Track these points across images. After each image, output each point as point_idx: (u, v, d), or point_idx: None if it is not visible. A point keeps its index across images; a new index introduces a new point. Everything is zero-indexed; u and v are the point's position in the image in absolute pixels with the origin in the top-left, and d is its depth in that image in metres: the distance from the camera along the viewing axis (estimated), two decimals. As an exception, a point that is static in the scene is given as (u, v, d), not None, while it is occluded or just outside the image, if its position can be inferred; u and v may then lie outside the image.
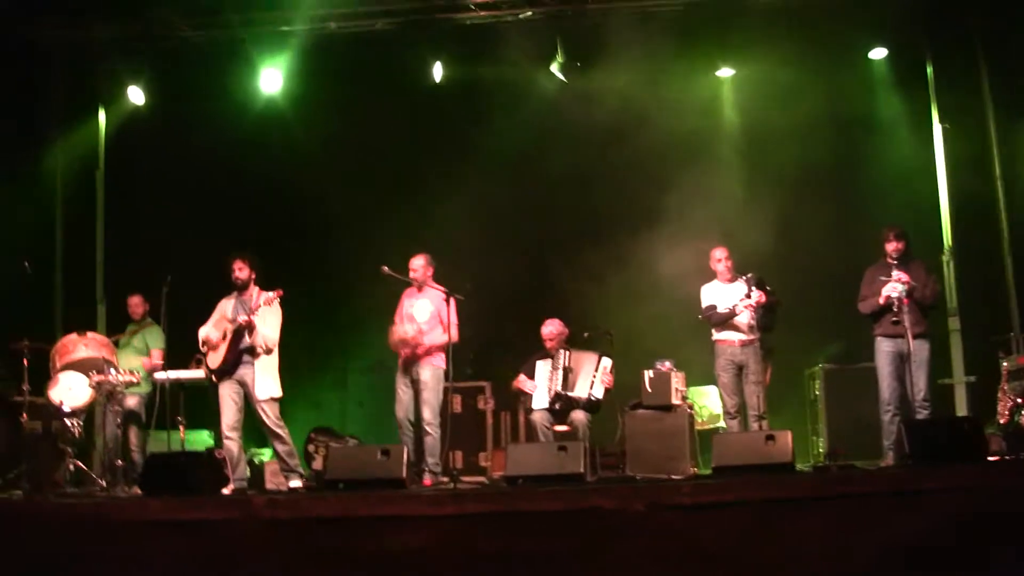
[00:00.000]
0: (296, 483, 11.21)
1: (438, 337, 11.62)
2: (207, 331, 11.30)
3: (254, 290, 11.31)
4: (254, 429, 11.62)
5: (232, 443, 11.14)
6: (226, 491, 10.65)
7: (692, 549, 8.42)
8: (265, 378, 11.09)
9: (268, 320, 11.12)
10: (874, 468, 10.61)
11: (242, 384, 11.15)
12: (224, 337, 11.15)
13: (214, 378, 11.23)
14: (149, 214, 14.50)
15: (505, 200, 14.13)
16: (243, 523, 8.98)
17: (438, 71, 14.31)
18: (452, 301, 11.53)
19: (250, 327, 10.98)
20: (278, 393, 11.18)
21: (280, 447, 11.22)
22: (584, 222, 14.03)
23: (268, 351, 11.11)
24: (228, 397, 11.17)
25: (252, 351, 11.08)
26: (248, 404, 11.17)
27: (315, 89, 14.44)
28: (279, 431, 11.17)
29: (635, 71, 13.65)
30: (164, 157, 14.33)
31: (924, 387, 10.81)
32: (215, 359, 11.20)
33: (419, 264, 11.80)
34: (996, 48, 13.36)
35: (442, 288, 11.56)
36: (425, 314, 11.75)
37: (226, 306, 11.37)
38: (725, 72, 14.13)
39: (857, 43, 13.66)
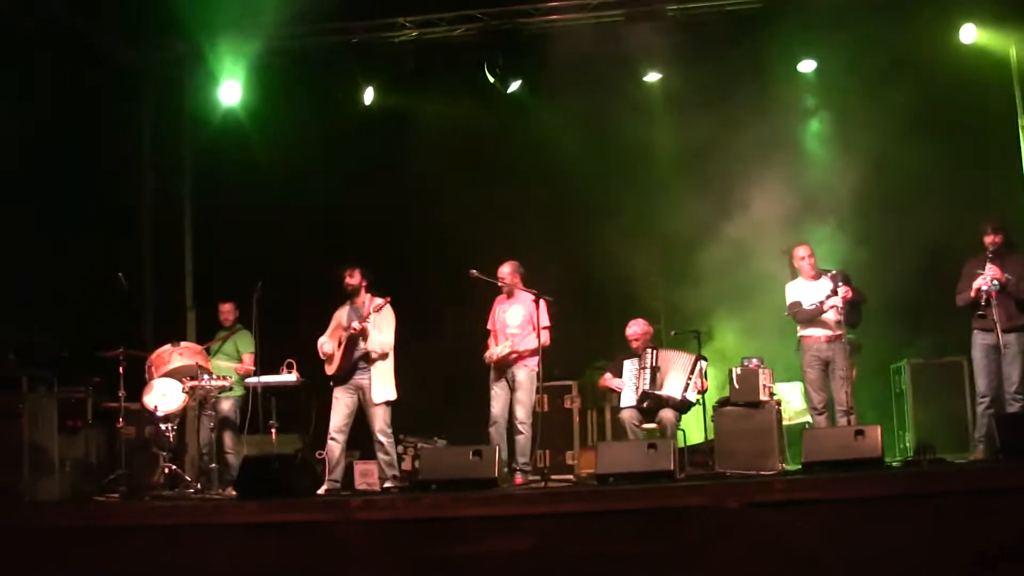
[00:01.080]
0: (388, 484, 11.37)
1: (531, 341, 11.72)
2: (324, 341, 11.58)
3: (366, 297, 11.56)
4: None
5: (336, 445, 11.39)
6: (320, 491, 10.88)
7: (788, 546, 8.42)
8: (381, 383, 11.38)
9: (382, 325, 11.40)
10: (964, 462, 10.57)
11: (358, 389, 11.44)
12: (340, 345, 11.41)
13: (332, 383, 11.51)
14: (237, 221, 14.66)
15: (599, 200, 14.14)
16: (339, 524, 9.11)
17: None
18: (543, 304, 11.63)
19: (363, 334, 11.24)
20: (393, 396, 11.46)
21: (382, 455, 11.43)
22: (670, 223, 13.99)
23: (383, 356, 11.37)
24: (341, 401, 11.46)
25: (367, 357, 11.35)
26: (361, 409, 11.45)
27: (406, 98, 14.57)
28: (384, 439, 11.40)
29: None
30: (252, 164, 14.47)
31: (1017, 380, 10.76)
32: (331, 366, 11.49)
33: (506, 271, 11.94)
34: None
35: (532, 291, 11.64)
36: (517, 318, 11.87)
37: (341, 315, 11.66)
38: (807, 66, 14.04)
39: (943, 28, 13.47)
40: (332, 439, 11.42)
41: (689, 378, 11.78)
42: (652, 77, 14.36)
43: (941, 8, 13.31)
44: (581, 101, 14.17)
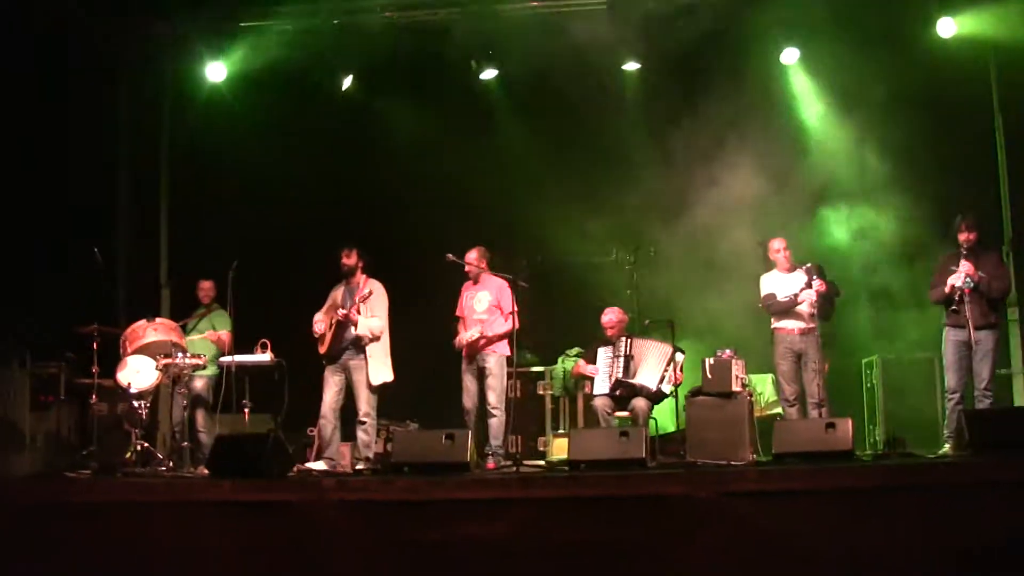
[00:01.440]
0: (360, 466, 11.42)
1: (499, 326, 11.74)
2: (318, 319, 11.61)
3: (361, 278, 11.61)
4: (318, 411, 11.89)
5: (327, 424, 11.49)
6: (320, 466, 11.26)
7: (760, 536, 8.49)
8: (377, 365, 11.43)
9: (375, 308, 11.45)
10: (935, 456, 10.65)
11: (346, 370, 11.49)
12: (330, 326, 11.46)
13: (323, 362, 11.59)
14: (214, 200, 14.60)
15: (569, 185, 14.14)
16: (312, 505, 9.13)
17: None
18: (509, 289, 11.68)
19: (350, 321, 11.32)
20: (389, 378, 11.54)
21: (362, 436, 11.47)
22: (646, 208, 14.00)
23: (375, 339, 11.41)
24: (331, 381, 11.54)
25: (358, 340, 11.39)
26: (348, 389, 11.50)
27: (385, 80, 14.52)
28: (368, 420, 11.45)
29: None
30: (229, 142, 14.41)
31: (987, 377, 10.84)
32: (322, 346, 11.54)
33: (473, 257, 11.93)
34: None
35: (506, 276, 11.68)
36: (484, 304, 11.87)
37: (336, 294, 11.71)
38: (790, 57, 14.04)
39: (922, 19, 13.50)
40: (324, 417, 11.49)
41: (665, 370, 11.81)
42: (631, 66, 14.33)
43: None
44: (556, 88, 14.12)
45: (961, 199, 12.45)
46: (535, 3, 14.01)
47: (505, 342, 11.75)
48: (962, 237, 10.99)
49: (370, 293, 11.34)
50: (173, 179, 15.15)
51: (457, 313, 12.07)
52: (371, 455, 11.44)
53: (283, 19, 14.04)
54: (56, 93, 13.50)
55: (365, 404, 11.43)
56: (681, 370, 11.88)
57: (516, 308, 11.59)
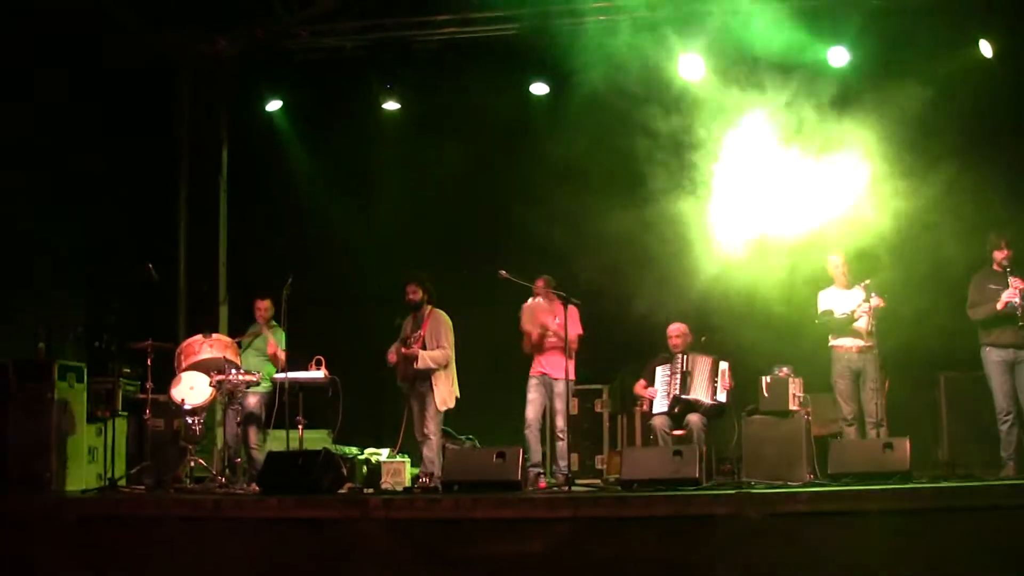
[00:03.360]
0: (420, 483, 11.58)
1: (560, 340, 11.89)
2: (392, 350, 11.79)
3: (426, 310, 11.76)
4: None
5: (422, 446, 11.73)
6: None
7: (810, 557, 8.37)
8: (441, 392, 11.59)
9: (439, 337, 11.67)
10: (995, 480, 10.44)
11: (419, 396, 11.68)
12: (399, 357, 11.67)
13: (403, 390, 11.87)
14: (271, 219, 14.67)
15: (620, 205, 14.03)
16: (359, 522, 9.13)
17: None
18: (572, 309, 11.71)
19: (412, 358, 11.51)
20: (452, 404, 11.70)
21: (427, 452, 11.60)
22: (702, 224, 13.85)
23: (442, 367, 11.59)
24: (409, 406, 11.85)
25: (423, 371, 11.55)
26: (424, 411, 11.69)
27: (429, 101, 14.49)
28: (433, 438, 11.57)
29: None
30: (286, 164, 14.48)
31: (1040, 395, 10.67)
32: (398, 375, 11.75)
33: (540, 286, 12.08)
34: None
35: (561, 294, 11.75)
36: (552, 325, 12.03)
37: (407, 325, 11.85)
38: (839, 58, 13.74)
39: (963, 37, 13.23)
40: (420, 441, 11.77)
41: (714, 380, 11.73)
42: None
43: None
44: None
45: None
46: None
47: (571, 363, 11.85)
48: (1000, 254, 10.84)
49: (419, 335, 11.58)
50: (232, 199, 15.15)
51: (523, 328, 12.13)
52: (435, 472, 11.44)
53: (331, 38, 14.04)
54: (123, 122, 13.67)
55: (430, 423, 11.57)
56: (730, 377, 11.73)
57: (580, 328, 11.83)
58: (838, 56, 13.09)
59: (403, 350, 11.57)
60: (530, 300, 12.11)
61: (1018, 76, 12.98)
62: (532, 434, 11.90)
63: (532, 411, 11.96)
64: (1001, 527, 8.25)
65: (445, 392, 11.59)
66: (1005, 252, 10.82)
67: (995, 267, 10.84)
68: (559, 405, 11.91)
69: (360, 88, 14.20)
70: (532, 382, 12.04)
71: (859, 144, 12.95)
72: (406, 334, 11.75)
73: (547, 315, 11.97)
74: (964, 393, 12.51)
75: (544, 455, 12.19)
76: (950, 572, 8.21)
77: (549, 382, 11.99)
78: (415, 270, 11.94)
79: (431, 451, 11.58)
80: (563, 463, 11.75)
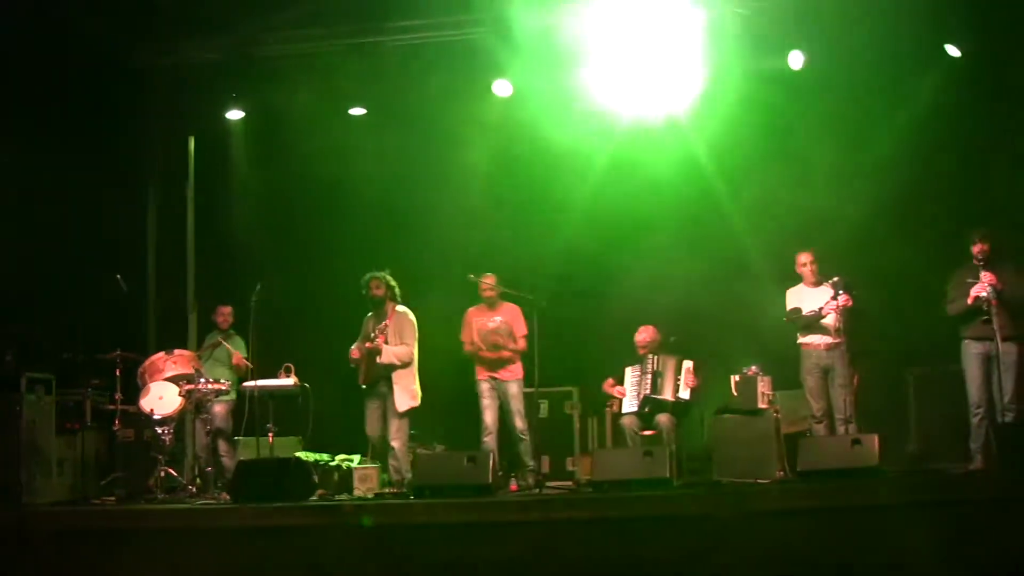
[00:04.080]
0: (388, 489, 11.54)
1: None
2: (353, 348, 11.69)
3: (389, 307, 11.66)
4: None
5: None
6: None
7: (782, 555, 8.41)
8: (402, 392, 11.47)
9: (402, 335, 11.57)
10: (963, 472, 10.50)
11: (380, 396, 11.56)
12: (362, 356, 11.56)
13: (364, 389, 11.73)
14: (238, 227, 14.63)
15: (590, 203, 14.03)
16: (331, 530, 9.12)
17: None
18: (515, 308, 12.01)
19: (377, 351, 11.39)
20: (415, 404, 11.58)
21: (393, 462, 11.53)
22: (671, 226, 13.88)
23: (405, 365, 11.49)
24: (370, 410, 11.65)
25: (389, 367, 11.45)
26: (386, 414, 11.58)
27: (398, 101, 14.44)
28: (398, 445, 11.48)
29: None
30: (253, 171, 14.46)
31: (1011, 390, 10.65)
32: (360, 376, 11.62)
33: (491, 283, 12.13)
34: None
35: (526, 297, 11.83)
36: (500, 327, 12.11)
37: (368, 324, 11.74)
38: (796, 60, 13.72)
39: (934, 39, 13.30)
40: (374, 446, 11.88)
41: (677, 379, 11.78)
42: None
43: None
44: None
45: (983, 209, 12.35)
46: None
47: (520, 364, 11.95)
48: (976, 249, 10.86)
49: (385, 325, 11.44)
50: (199, 207, 15.10)
51: (463, 338, 12.25)
52: (403, 479, 11.42)
53: (297, 45, 13.99)
54: (88, 126, 13.59)
55: (394, 428, 11.46)
56: (694, 374, 11.78)
57: (526, 331, 11.92)
58: (796, 59, 13.10)
59: (367, 344, 11.43)
60: (481, 311, 12.22)
61: (977, 79, 13.09)
62: (493, 440, 11.89)
63: (490, 417, 11.97)
64: (971, 519, 8.30)
65: (407, 392, 11.48)
66: (980, 247, 10.87)
67: (974, 262, 10.88)
68: (515, 406, 11.93)
69: (325, 92, 14.16)
70: (483, 387, 12.05)
71: (823, 143, 13.11)
72: (368, 331, 11.63)
73: (498, 338, 12.03)
74: (933, 388, 12.55)
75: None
76: (920, 566, 8.25)
77: (500, 385, 12.01)
78: (376, 267, 11.83)
79: (396, 459, 11.48)
80: (531, 463, 11.84)
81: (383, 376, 11.50)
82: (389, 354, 11.39)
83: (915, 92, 13.09)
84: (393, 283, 11.73)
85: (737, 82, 13.03)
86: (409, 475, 11.37)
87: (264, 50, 13.90)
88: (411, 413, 11.56)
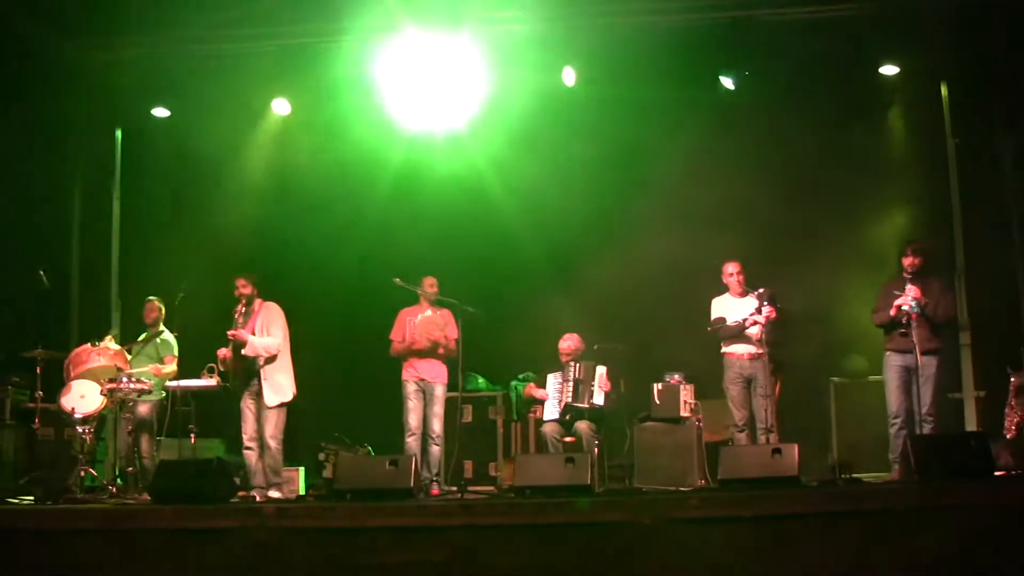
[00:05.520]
0: (275, 493, 11.40)
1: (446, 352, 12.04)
2: (223, 350, 11.59)
3: (258, 302, 11.65)
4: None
5: (251, 453, 11.45)
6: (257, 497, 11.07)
7: (701, 563, 8.46)
8: (272, 385, 11.40)
9: (269, 327, 11.50)
10: (880, 482, 10.63)
11: (257, 395, 11.47)
12: (231, 353, 11.50)
13: (233, 389, 11.62)
14: (164, 225, 14.52)
15: (514, 212, 14.09)
16: (252, 531, 9.06)
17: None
18: (447, 312, 12.01)
19: (240, 342, 11.36)
20: (287, 398, 11.47)
21: (268, 461, 11.44)
22: (598, 233, 13.98)
23: (272, 358, 11.41)
24: (245, 408, 11.52)
25: (256, 361, 11.39)
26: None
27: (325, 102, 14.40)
28: (273, 444, 11.39)
29: (642, 84, 13.63)
30: (178, 168, 14.36)
31: (929, 402, 10.82)
32: (230, 374, 11.58)
33: (428, 284, 12.16)
34: (1010, 62, 13.30)
35: (455, 302, 11.89)
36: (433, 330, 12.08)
37: (238, 319, 11.66)
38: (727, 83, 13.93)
39: (868, 59, 13.52)
40: (247, 448, 11.47)
41: (591, 384, 11.84)
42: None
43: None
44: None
45: (921, 222, 12.53)
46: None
47: (446, 370, 12.02)
48: (907, 262, 11.00)
49: (255, 314, 11.50)
50: (125, 199, 14.97)
51: (393, 337, 12.23)
52: (279, 480, 11.41)
53: (227, 43, 13.92)
54: (13, 118, 13.42)
55: (272, 426, 11.40)
56: (608, 379, 11.82)
57: (458, 335, 11.94)
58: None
59: (230, 333, 11.39)
60: (417, 311, 12.21)
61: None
62: (417, 442, 11.90)
63: (415, 419, 11.97)
64: (888, 528, 8.40)
65: (277, 386, 11.42)
66: (911, 259, 11.00)
67: (904, 275, 11.01)
68: (438, 409, 12.00)
69: (252, 91, 14.11)
70: (410, 388, 12.04)
71: (748, 158, 13.28)
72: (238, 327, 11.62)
73: (434, 327, 12.03)
74: (853, 398, 12.76)
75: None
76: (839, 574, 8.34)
77: (428, 387, 12.02)
78: (243, 267, 11.90)
79: (273, 458, 11.42)
80: (435, 470, 11.88)
81: (250, 373, 11.47)
82: (254, 346, 11.35)
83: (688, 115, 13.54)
84: (260, 280, 11.73)
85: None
86: (278, 479, 11.40)
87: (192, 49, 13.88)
88: (285, 408, 11.49)
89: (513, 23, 13.26)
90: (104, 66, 14.28)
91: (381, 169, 14.07)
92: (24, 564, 9.19)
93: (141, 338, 12.55)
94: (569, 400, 11.82)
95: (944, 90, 13.65)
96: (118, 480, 11.71)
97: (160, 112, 14.37)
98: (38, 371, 11.91)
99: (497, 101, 13.49)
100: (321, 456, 13.03)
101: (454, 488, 11.52)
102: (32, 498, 11.25)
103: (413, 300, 12.22)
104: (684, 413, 11.38)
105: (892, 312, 10.92)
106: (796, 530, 8.51)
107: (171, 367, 12.20)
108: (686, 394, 11.46)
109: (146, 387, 11.77)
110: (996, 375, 11.84)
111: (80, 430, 11.57)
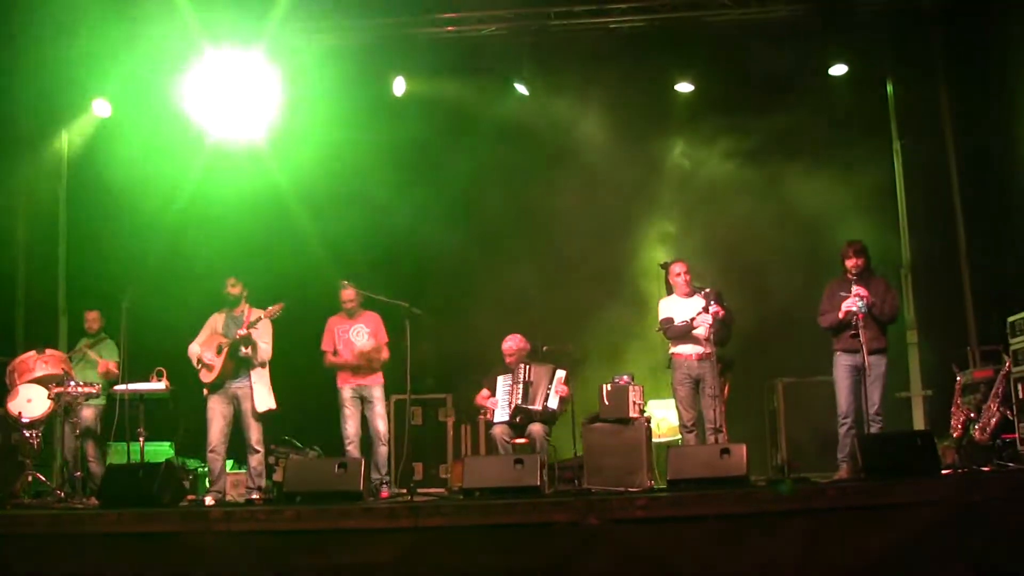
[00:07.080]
0: (254, 496, 11.40)
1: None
2: (198, 348, 11.58)
3: (245, 307, 11.66)
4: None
5: (217, 457, 11.47)
6: (209, 500, 11.06)
7: (648, 563, 8.50)
8: (262, 392, 11.48)
9: (263, 335, 11.53)
10: (827, 481, 10.68)
11: (234, 398, 11.49)
12: (219, 352, 11.42)
13: (206, 391, 11.53)
14: (111, 229, 14.41)
15: (468, 212, 14.13)
16: (200, 535, 9.03)
17: (399, 85, 14.26)
18: (375, 316, 12.15)
19: (250, 341, 11.36)
20: (274, 405, 11.57)
21: (255, 465, 11.52)
22: (546, 235, 14.03)
23: (263, 364, 11.50)
24: (218, 412, 11.51)
25: (247, 365, 11.42)
26: (237, 419, 11.49)
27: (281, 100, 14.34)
28: (260, 449, 11.50)
29: (596, 85, 13.71)
30: (127, 171, 14.26)
31: (878, 401, 10.86)
32: (209, 374, 11.50)
33: (350, 292, 12.17)
34: (955, 64, 13.44)
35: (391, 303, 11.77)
36: (364, 337, 12.16)
37: (216, 322, 11.70)
38: (684, 88, 14.06)
39: (816, 60, 13.62)
40: (212, 451, 11.49)
41: (548, 387, 11.83)
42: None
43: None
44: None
45: (857, 223, 12.61)
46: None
47: (381, 373, 12.09)
48: (849, 263, 11.04)
49: (259, 319, 11.42)
50: (72, 205, 14.88)
51: (324, 347, 12.27)
52: (262, 484, 11.40)
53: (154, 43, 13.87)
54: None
55: (257, 432, 11.48)
56: (565, 383, 11.84)
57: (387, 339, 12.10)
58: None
59: (239, 332, 11.34)
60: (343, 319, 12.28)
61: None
62: (356, 449, 11.92)
63: (352, 427, 12.01)
64: (836, 527, 8.47)
65: (265, 393, 11.51)
66: (854, 261, 11.04)
67: (847, 276, 11.05)
68: (379, 409, 12.04)
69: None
70: (345, 396, 12.08)
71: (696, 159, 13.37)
72: (215, 331, 11.61)
73: (367, 354, 12.08)
74: (802, 398, 12.82)
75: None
76: (784, 573, 8.39)
77: (365, 391, 12.05)
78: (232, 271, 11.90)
79: (260, 463, 11.52)
80: (385, 474, 11.92)
81: (238, 376, 11.47)
82: (259, 350, 11.42)
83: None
84: (247, 285, 11.77)
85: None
86: (262, 481, 11.48)
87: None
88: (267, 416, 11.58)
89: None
90: (46, 63, 14.16)
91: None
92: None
93: (80, 344, 12.48)
94: (519, 402, 11.79)
95: (890, 90, 13.77)
96: (65, 485, 11.63)
97: (100, 108, 14.28)
98: (-17, 377, 11.83)
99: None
100: (271, 459, 12.95)
101: (404, 490, 11.49)
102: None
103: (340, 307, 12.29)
104: (632, 414, 11.36)
105: (841, 315, 10.95)
106: (744, 529, 8.57)
107: (116, 370, 12.14)
108: (634, 394, 11.44)
109: (93, 391, 11.71)
110: (943, 374, 11.97)
111: (27, 435, 11.51)
